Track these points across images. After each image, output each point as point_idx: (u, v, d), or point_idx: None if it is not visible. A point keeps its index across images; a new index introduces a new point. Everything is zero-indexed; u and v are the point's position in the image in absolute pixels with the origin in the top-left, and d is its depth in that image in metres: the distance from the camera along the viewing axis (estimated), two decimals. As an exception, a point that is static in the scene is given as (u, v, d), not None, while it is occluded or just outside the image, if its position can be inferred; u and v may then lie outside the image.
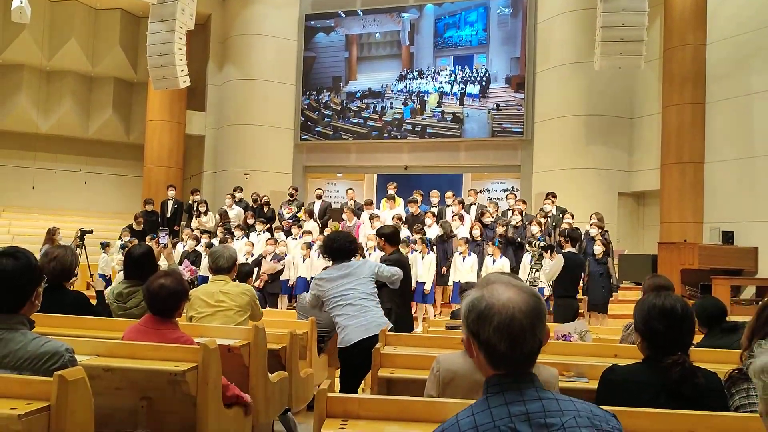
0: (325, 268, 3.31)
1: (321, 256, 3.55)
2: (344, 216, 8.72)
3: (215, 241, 8.62)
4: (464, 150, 11.93)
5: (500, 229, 7.67)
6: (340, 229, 8.55)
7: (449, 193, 9.16)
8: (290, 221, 9.39)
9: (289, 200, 10.14)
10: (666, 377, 1.64)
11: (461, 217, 8.05)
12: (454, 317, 4.82)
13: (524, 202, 8.70)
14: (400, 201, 9.20)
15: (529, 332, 1.18)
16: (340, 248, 3.23)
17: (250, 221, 9.21)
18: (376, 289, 3.21)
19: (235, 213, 9.81)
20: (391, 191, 9.27)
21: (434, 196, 9.25)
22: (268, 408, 2.68)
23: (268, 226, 9.05)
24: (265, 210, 10.04)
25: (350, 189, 9.93)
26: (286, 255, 8.21)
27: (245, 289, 3.11)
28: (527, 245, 7.03)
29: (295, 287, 8.21)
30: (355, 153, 12.59)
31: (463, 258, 7.41)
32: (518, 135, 11.58)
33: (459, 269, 7.41)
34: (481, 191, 12.95)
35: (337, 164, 12.67)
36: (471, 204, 8.85)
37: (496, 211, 8.66)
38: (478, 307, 1.19)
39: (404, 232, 7.58)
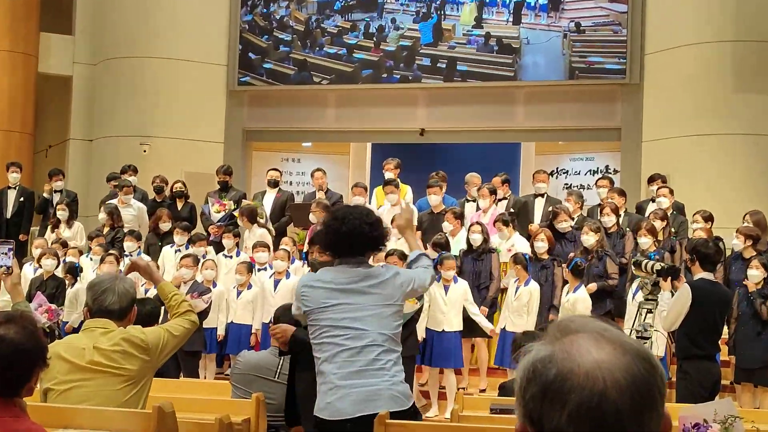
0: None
1: (309, 257, 3.81)
2: (313, 217, 8.86)
3: (90, 262, 8.97)
4: (523, 102, 12.33)
5: (589, 238, 7.82)
6: (306, 239, 9.04)
7: (472, 177, 9.90)
8: (221, 224, 9.72)
9: (219, 190, 10.41)
10: None
11: (458, 217, 8.56)
12: (504, 393, 5.01)
13: (622, 194, 8.90)
14: (406, 190, 9.76)
15: (631, 421, 1.13)
16: (352, 233, 3.46)
17: (165, 225, 9.59)
18: (400, 328, 3.46)
19: (132, 212, 10.16)
20: (388, 173, 9.66)
21: (474, 183, 9.80)
22: None
23: (189, 235, 9.35)
24: (179, 206, 10.49)
25: (319, 170, 10.46)
26: (213, 285, 8.42)
27: (139, 338, 3.30)
28: (631, 269, 6.99)
29: (226, 341, 8.50)
30: (335, 107, 13.05)
31: (517, 288, 7.71)
32: (616, 76, 12.00)
33: (510, 309, 7.72)
34: (553, 173, 12.82)
35: (302, 126, 13.04)
36: (501, 199, 9.43)
37: (579, 208, 8.92)
38: (545, 375, 1.17)
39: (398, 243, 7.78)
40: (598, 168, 12.30)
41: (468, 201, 9.53)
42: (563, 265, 7.63)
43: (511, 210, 9.21)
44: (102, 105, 12.93)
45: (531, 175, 10.14)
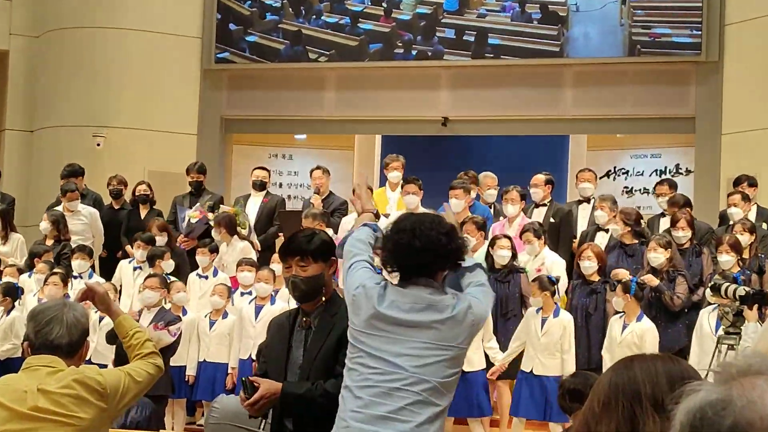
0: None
1: (385, 265, 3.76)
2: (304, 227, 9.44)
3: (32, 282, 9.06)
4: (571, 85, 12.36)
5: (658, 256, 7.97)
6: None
7: (486, 178, 10.34)
8: (193, 237, 9.97)
9: (191, 193, 10.67)
10: None
11: (480, 228, 8.84)
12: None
13: (687, 205, 8.98)
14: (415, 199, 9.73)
15: None
16: (428, 247, 3.57)
17: (161, 239, 9.70)
18: (456, 377, 3.57)
19: (82, 222, 10.25)
20: (394, 173, 9.96)
21: (487, 184, 10.16)
22: None
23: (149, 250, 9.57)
24: (142, 214, 10.69)
25: (319, 168, 10.68)
26: (181, 314, 8.50)
27: (95, 381, 3.35)
28: (708, 293, 7.16)
29: (198, 383, 8.59)
30: (335, 91, 13.11)
31: (544, 322, 7.81)
32: (689, 52, 11.89)
33: (536, 347, 7.81)
34: (610, 174, 12.59)
35: (295, 114, 13.10)
36: (540, 205, 9.63)
37: (614, 217, 8.96)
38: (717, 424, 1.18)
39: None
40: (666, 167, 12.33)
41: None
42: (617, 289, 7.69)
43: (551, 220, 9.32)
44: (45, 87, 12.95)
45: (576, 174, 10.23)
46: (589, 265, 8.06)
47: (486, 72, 12.41)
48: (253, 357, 7.97)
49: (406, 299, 3.51)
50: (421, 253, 3.52)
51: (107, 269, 10.17)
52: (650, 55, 11.72)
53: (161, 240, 9.60)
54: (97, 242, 10.20)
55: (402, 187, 9.47)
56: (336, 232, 9.40)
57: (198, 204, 10.24)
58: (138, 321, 7.89)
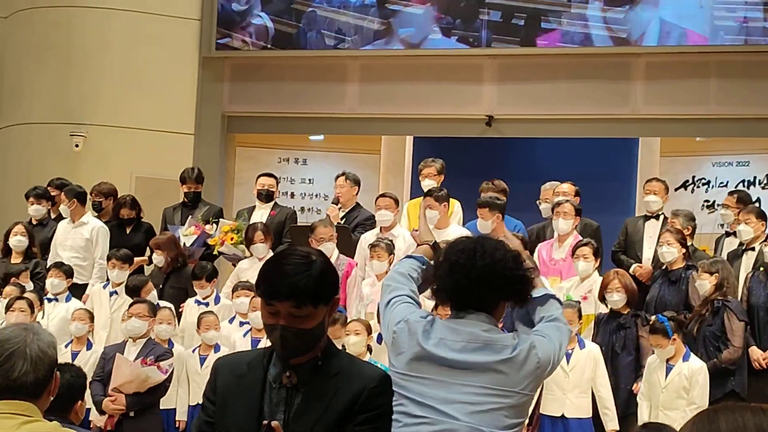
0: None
1: (436, 293, 3.86)
2: (315, 240, 9.32)
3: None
4: (642, 77, 12.44)
5: (704, 283, 8.36)
6: None
7: (548, 191, 10.42)
8: (194, 261, 10.03)
9: (185, 204, 10.80)
10: None
11: (525, 246, 8.86)
12: None
13: (761, 216, 9.15)
14: (454, 206, 10.11)
15: None
16: (492, 273, 3.60)
17: (159, 258, 10.00)
18: (520, 429, 3.61)
19: (86, 237, 10.42)
20: (429, 181, 10.23)
21: (555, 193, 10.19)
22: None
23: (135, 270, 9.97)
24: (127, 230, 10.81)
25: (342, 175, 10.74)
26: (168, 345, 8.72)
27: None
28: None
29: (188, 429, 8.79)
30: (359, 84, 13.23)
31: (569, 355, 7.96)
32: None
33: (561, 385, 8.02)
34: (687, 185, 12.51)
35: (310, 111, 13.15)
36: (576, 217, 9.70)
37: (689, 235, 9.24)
38: None
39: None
40: (755, 177, 12.38)
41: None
42: (649, 324, 7.94)
43: (579, 237, 9.38)
44: (13, 77, 13.13)
45: (643, 185, 10.37)
46: (617, 299, 8.27)
47: (538, 62, 12.50)
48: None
49: (457, 337, 3.55)
50: (483, 278, 3.56)
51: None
52: (736, 43, 11.79)
53: (159, 260, 9.77)
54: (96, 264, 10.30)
55: (424, 198, 9.66)
56: (352, 253, 9.70)
57: (190, 218, 10.31)
58: (122, 354, 8.34)
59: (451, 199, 9.85)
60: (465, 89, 12.75)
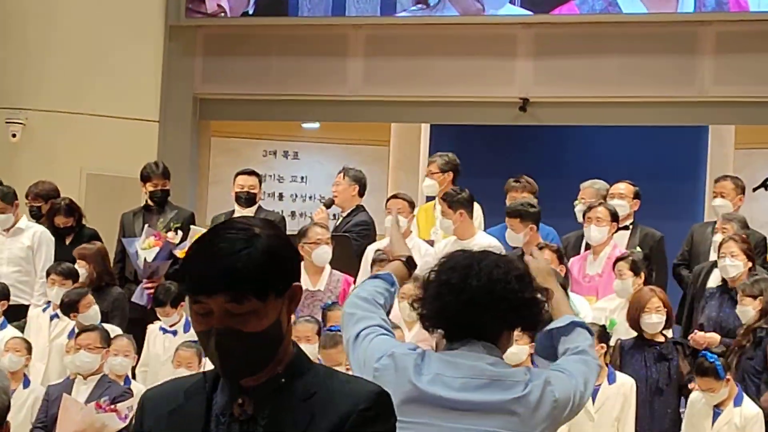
0: None
1: (424, 321, 3.76)
2: (307, 244, 9.50)
3: None
4: (711, 51, 12.47)
5: (746, 309, 8.38)
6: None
7: (588, 189, 10.51)
8: (159, 278, 10.11)
9: (148, 207, 10.85)
10: None
11: (560, 258, 9.14)
12: None
13: None
14: (476, 211, 10.20)
15: None
16: (491, 294, 3.58)
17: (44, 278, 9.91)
18: None
19: (25, 245, 10.46)
20: (428, 180, 10.45)
21: (610, 195, 10.27)
22: None
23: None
24: (66, 241, 10.73)
25: (342, 171, 10.87)
26: (125, 382, 8.70)
27: None
28: None
29: None
30: (363, 59, 13.29)
31: (597, 390, 8.02)
32: None
33: (588, 424, 8.07)
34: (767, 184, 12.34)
35: (303, 92, 13.27)
36: (622, 228, 9.91)
37: (748, 249, 9.19)
38: None
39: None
40: None
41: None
42: (694, 358, 8.03)
43: (637, 249, 9.49)
44: None
45: (712, 183, 10.59)
46: (657, 321, 8.30)
47: (583, 33, 12.54)
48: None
49: (457, 372, 3.55)
50: (478, 301, 3.54)
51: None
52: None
53: (81, 273, 9.70)
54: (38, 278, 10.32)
55: (441, 201, 9.77)
56: (353, 267, 9.76)
57: (147, 227, 10.39)
58: (70, 395, 8.33)
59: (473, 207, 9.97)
60: (494, 66, 12.84)
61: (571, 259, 9.55)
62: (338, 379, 2.82)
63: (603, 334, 8.06)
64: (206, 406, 2.79)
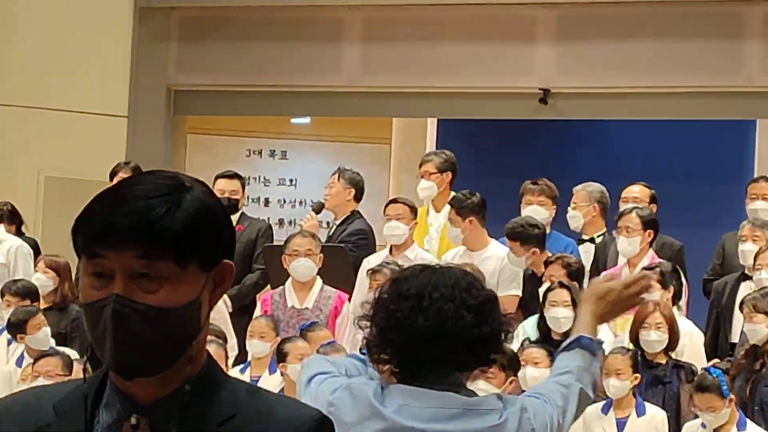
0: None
1: (374, 353, 3.76)
2: (288, 256, 9.66)
3: None
4: (760, 35, 12.56)
5: (758, 327, 8.49)
6: (266, 318, 9.63)
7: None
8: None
9: None
10: None
11: (574, 275, 9.31)
12: None
13: None
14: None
15: None
16: (439, 331, 3.59)
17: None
18: None
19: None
20: (425, 182, 10.58)
21: (623, 200, 10.43)
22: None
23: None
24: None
25: (337, 172, 10.92)
26: None
27: None
28: None
29: None
30: (360, 44, 13.40)
31: (623, 424, 8.28)
32: None
33: None
34: None
35: (292, 83, 13.37)
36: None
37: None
38: None
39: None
40: None
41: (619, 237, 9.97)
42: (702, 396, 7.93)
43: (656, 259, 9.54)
44: None
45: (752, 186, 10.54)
46: (655, 339, 8.42)
47: (612, 15, 12.61)
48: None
49: (424, 402, 3.59)
50: (427, 341, 3.57)
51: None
52: None
53: (46, 285, 9.75)
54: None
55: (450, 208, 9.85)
56: (349, 282, 9.83)
57: None
58: None
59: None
60: (510, 52, 12.88)
61: (604, 273, 9.23)
62: (264, 398, 2.45)
63: (637, 362, 8.09)
64: (85, 427, 2.40)
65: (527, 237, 9.41)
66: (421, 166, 10.55)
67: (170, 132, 13.43)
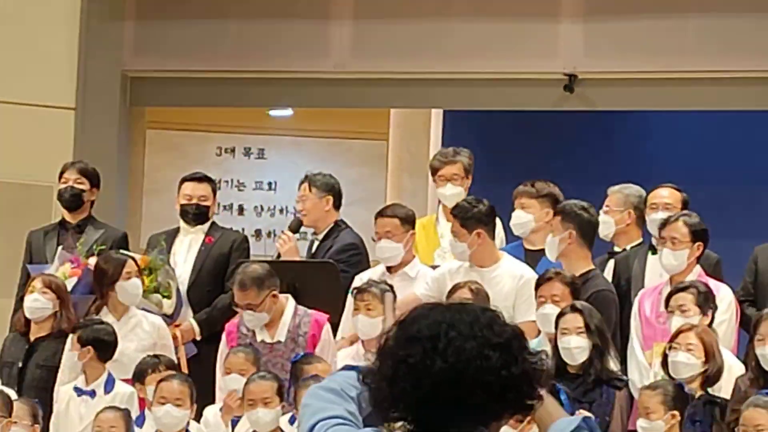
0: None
1: (382, 408, 3.75)
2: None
3: None
4: None
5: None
6: (245, 350, 9.79)
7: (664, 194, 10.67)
8: (78, 318, 10.23)
9: (64, 225, 11.01)
10: None
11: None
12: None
13: None
14: (497, 226, 10.55)
15: None
16: (463, 377, 3.55)
17: None
18: None
19: None
20: (449, 186, 10.73)
21: (651, 206, 10.56)
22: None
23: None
24: None
25: (306, 181, 11.06)
26: None
27: None
28: None
29: None
30: (352, 22, 13.52)
31: None
32: None
33: None
34: None
35: (272, 69, 13.51)
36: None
37: None
38: None
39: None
40: None
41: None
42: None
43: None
44: None
45: None
46: (683, 360, 8.45)
47: None
48: None
49: None
50: (453, 385, 3.53)
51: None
52: None
53: (41, 310, 9.77)
54: None
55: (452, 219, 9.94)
56: (338, 305, 9.93)
57: (60, 249, 10.45)
58: None
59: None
60: (530, 31, 12.99)
61: (641, 291, 9.55)
62: None
63: (677, 396, 8.10)
64: None
65: (468, 216, 9.57)
66: (441, 167, 10.51)
67: (126, 126, 13.43)
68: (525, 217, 10.25)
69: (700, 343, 8.34)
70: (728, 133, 13.28)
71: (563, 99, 12.71)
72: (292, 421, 8.96)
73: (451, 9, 12.92)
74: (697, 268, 9.43)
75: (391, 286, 9.31)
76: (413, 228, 10.08)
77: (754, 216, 10.78)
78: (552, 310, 8.91)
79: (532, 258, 10.18)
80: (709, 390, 8.42)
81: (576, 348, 8.45)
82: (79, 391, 9.37)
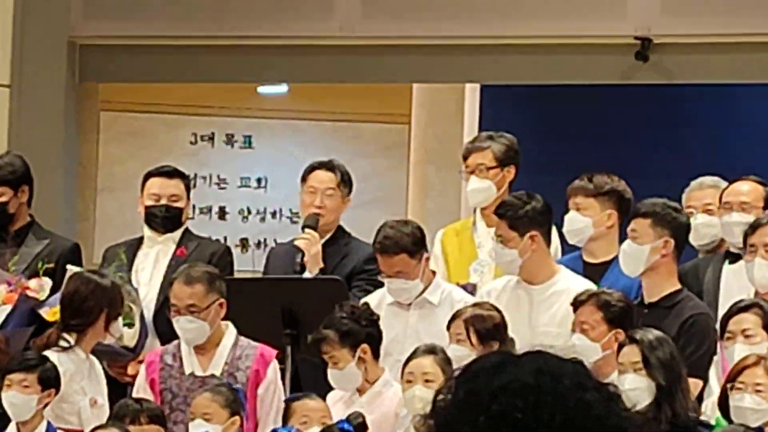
0: None
1: None
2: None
3: None
4: None
5: None
6: (214, 392, 9.98)
7: (704, 189, 11.31)
8: (14, 350, 10.60)
9: None
10: None
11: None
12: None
13: None
14: (552, 234, 10.84)
15: None
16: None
17: None
18: None
19: None
20: (478, 182, 11.09)
21: (725, 206, 10.89)
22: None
23: None
24: None
25: (321, 166, 11.54)
26: None
27: None
28: None
29: None
30: None
31: None
32: None
33: None
34: None
35: (260, 35, 14.00)
36: (731, 255, 10.68)
37: None
38: None
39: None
40: None
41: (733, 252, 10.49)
42: None
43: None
44: None
45: None
46: (752, 405, 8.78)
47: None
48: None
49: None
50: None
51: None
52: None
53: None
54: None
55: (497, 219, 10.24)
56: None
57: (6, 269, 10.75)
58: None
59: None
60: None
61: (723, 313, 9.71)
62: None
63: None
64: None
65: (518, 215, 9.90)
66: (468, 156, 10.82)
67: (74, 107, 13.77)
68: (581, 221, 10.41)
69: None
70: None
71: (633, 70, 13.01)
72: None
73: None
74: None
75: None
76: (425, 248, 10.28)
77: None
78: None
79: (593, 274, 10.27)
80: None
81: (630, 390, 8.50)
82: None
